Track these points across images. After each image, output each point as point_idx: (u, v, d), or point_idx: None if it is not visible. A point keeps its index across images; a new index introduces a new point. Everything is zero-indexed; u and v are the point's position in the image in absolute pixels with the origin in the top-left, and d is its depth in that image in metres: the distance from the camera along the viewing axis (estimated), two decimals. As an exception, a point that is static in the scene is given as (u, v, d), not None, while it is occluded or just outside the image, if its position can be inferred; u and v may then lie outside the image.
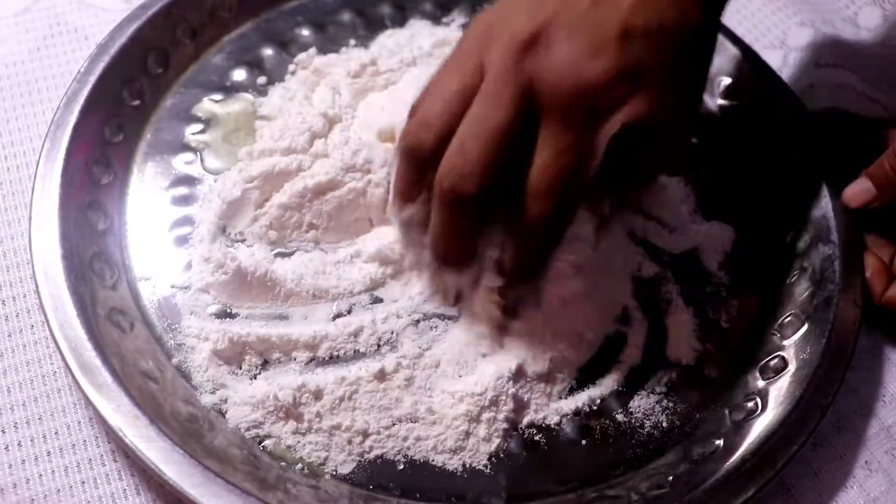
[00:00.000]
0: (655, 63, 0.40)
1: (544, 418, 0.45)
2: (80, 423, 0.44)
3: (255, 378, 0.44)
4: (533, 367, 0.45)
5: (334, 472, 0.42)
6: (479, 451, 0.43)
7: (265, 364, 0.45)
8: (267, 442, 0.43)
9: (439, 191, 0.41)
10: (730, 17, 0.59)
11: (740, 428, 0.44)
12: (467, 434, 0.43)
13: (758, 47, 0.57)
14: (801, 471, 0.45)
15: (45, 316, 0.43)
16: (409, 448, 0.43)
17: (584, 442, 0.45)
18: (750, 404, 0.45)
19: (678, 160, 0.52)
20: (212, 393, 0.43)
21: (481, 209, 0.42)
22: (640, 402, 0.46)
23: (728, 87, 0.56)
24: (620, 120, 0.40)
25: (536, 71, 0.40)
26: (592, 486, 0.43)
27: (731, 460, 0.43)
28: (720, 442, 0.44)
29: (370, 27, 0.57)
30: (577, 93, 0.39)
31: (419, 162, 0.42)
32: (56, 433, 0.43)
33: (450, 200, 0.41)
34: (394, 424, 0.44)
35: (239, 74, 0.54)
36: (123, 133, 0.50)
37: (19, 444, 0.43)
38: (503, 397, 0.44)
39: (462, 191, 0.40)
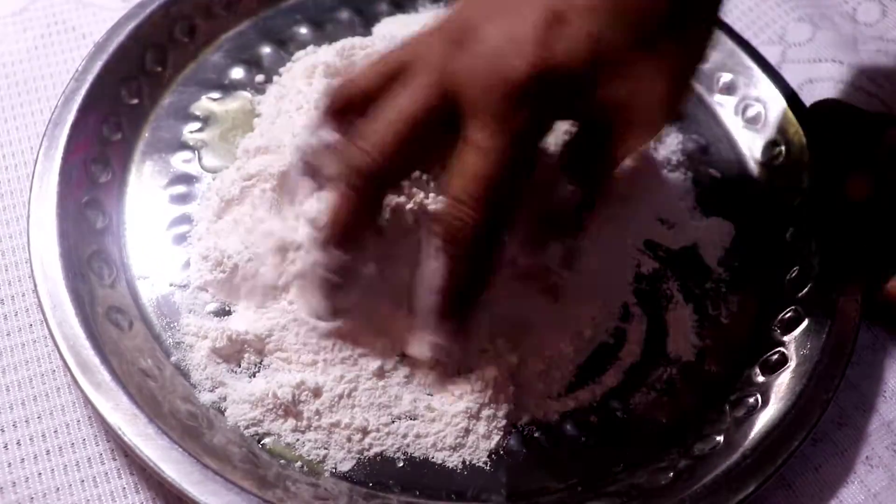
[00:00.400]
0: (589, 50, 0.36)
1: (544, 415, 0.45)
2: (79, 421, 0.44)
3: (255, 376, 0.44)
4: (532, 364, 0.45)
5: (334, 470, 0.42)
6: (479, 448, 0.43)
7: (264, 361, 0.45)
8: (266, 440, 0.42)
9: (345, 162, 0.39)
10: (727, 13, 0.59)
11: (741, 424, 0.44)
12: (467, 431, 0.43)
13: (756, 43, 0.57)
14: (803, 466, 0.45)
15: (44, 315, 0.43)
16: (408, 445, 0.43)
17: (583, 439, 0.44)
18: (750, 400, 0.45)
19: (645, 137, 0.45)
20: (211, 391, 0.43)
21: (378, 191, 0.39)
22: (640, 399, 0.46)
23: (727, 83, 0.56)
24: (559, 119, 0.38)
25: (460, 70, 0.37)
26: (592, 483, 0.43)
27: (732, 456, 0.43)
28: (720, 438, 0.44)
29: (368, 25, 0.57)
30: (499, 93, 0.36)
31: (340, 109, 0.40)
32: (55, 431, 0.43)
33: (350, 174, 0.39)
34: (393, 422, 0.43)
35: (237, 73, 0.54)
36: (121, 132, 0.50)
37: (18, 443, 0.43)
38: (503, 395, 0.44)
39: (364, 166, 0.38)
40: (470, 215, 0.37)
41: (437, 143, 0.39)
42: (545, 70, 0.36)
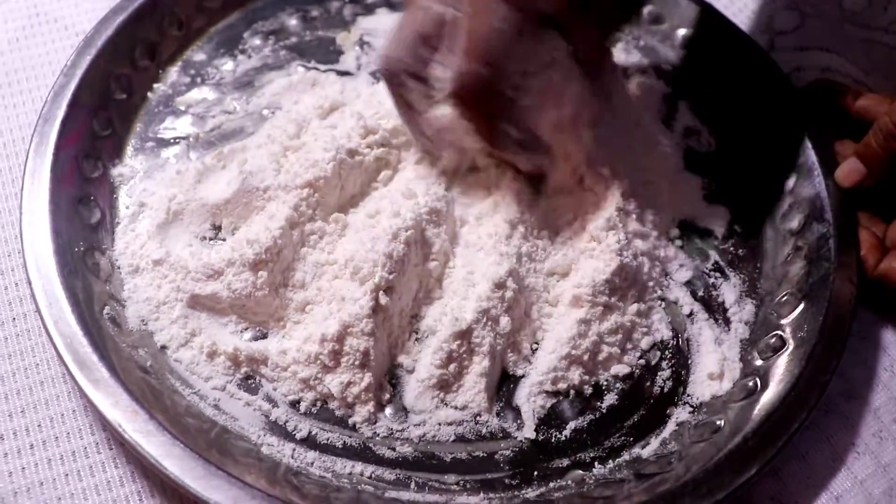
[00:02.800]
0: None
1: (547, 398, 0.45)
2: (74, 410, 0.43)
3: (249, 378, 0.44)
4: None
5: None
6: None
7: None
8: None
9: None
10: (717, 1, 0.59)
11: (742, 407, 0.44)
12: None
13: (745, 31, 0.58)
14: (815, 437, 0.45)
15: (39, 312, 0.42)
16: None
17: (585, 422, 0.45)
18: (750, 383, 0.45)
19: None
20: (211, 386, 0.43)
21: None
22: (641, 383, 0.46)
23: (718, 69, 0.56)
24: None
25: None
26: (593, 467, 0.43)
27: (734, 439, 0.43)
28: (721, 421, 0.44)
29: (356, 15, 0.57)
30: None
31: None
32: (52, 420, 0.43)
33: None
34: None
35: (227, 65, 0.54)
36: (112, 126, 0.50)
37: (14, 434, 0.43)
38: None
39: None
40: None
41: None
42: None
